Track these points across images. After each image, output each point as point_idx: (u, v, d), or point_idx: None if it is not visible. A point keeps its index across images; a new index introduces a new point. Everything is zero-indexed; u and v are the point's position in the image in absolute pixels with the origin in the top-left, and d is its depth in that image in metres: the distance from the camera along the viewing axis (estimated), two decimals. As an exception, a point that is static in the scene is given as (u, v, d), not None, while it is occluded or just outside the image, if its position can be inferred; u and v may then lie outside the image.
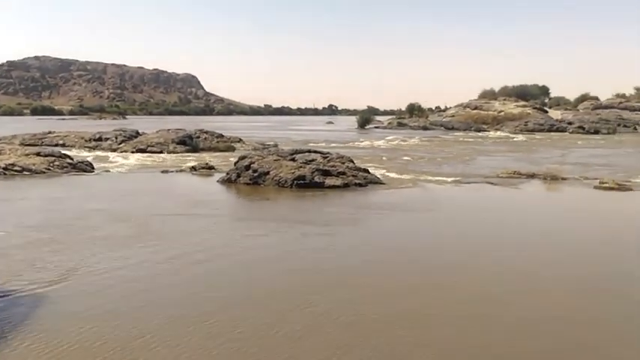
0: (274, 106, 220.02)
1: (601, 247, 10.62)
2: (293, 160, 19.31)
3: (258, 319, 6.57)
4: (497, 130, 63.48)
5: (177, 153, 29.94)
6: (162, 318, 6.55)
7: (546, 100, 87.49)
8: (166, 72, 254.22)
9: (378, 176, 19.90)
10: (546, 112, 72.67)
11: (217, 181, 19.03)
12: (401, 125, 73.30)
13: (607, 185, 18.29)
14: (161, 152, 29.96)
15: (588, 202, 16.76)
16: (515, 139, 49.37)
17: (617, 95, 77.34)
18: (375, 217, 13.31)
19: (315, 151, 21.07)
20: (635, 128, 61.92)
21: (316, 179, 17.73)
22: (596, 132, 57.31)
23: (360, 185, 17.95)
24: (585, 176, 21.17)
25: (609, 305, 7.30)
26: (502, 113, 70.46)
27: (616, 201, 16.58)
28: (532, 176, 20.97)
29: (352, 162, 20.25)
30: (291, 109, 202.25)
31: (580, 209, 15.79)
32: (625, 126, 62.27)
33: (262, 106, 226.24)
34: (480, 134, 57.95)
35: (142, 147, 30.63)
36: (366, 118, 78.17)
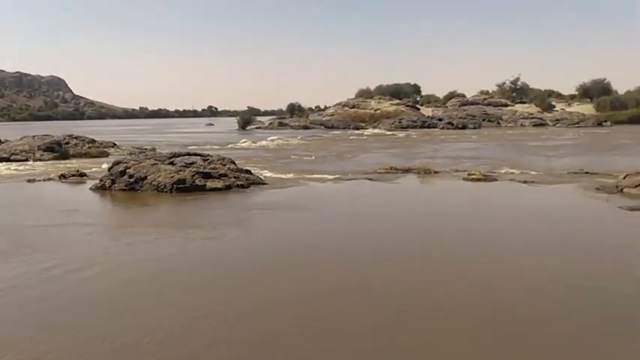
0: (150, 108, 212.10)
1: (469, 232, 11.36)
2: (172, 163, 18.73)
3: (137, 328, 6.31)
4: (374, 127, 65.82)
5: (45, 161, 27.97)
6: (37, 331, 6.11)
7: (418, 98, 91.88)
8: (29, 75, 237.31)
9: (261, 177, 19.84)
10: (419, 109, 76.50)
11: (90, 189, 17.99)
12: (282, 125, 73.87)
13: (475, 177, 19.54)
14: (27, 160, 27.87)
15: (458, 191, 17.82)
16: (391, 136, 51.43)
17: (482, 92, 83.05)
18: (259, 218, 13.26)
19: (195, 154, 20.58)
20: (499, 123, 66.78)
21: (197, 182, 17.32)
22: (464, 127, 61.13)
23: (242, 187, 17.77)
24: (455, 169, 22.49)
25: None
26: (378, 111, 73.19)
27: (482, 190, 17.76)
28: (407, 171, 21.93)
29: (234, 163, 20.01)
30: (169, 111, 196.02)
31: (450, 198, 16.82)
32: (489, 121, 66.97)
33: (137, 108, 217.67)
34: (358, 132, 59.79)
35: (5, 155, 28.30)
36: (247, 118, 77.93)
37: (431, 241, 10.92)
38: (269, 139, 47.84)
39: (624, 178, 16.98)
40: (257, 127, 74.22)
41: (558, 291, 7.55)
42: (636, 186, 15.99)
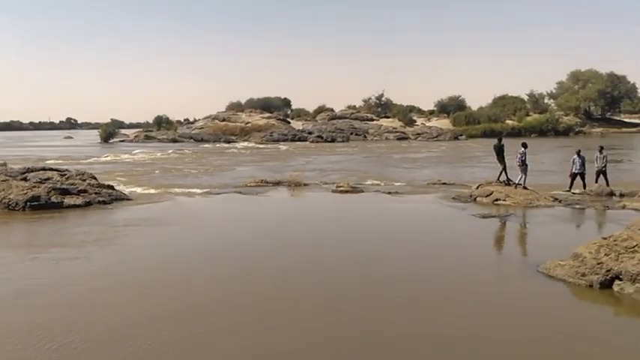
0: (0, 120, 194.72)
1: (337, 238, 11.61)
2: (25, 179, 17.30)
3: None
4: (245, 140, 65.55)
5: None
6: None
7: (289, 112, 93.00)
8: None
9: (125, 192, 18.91)
10: (289, 122, 77.40)
11: None
12: (149, 138, 71.20)
13: (343, 188, 20.06)
14: None
15: (326, 202, 18.19)
16: (262, 149, 51.44)
17: (349, 107, 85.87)
18: (126, 235, 12.57)
19: (52, 169, 19.20)
20: (365, 136, 69.35)
21: (53, 199, 16.12)
22: (333, 140, 62.83)
23: (104, 203, 16.80)
24: (324, 181, 22.96)
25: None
26: (249, 124, 73.02)
27: (350, 201, 18.26)
28: (278, 184, 22.02)
29: (95, 178, 18.90)
30: (22, 123, 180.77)
31: (319, 209, 17.15)
32: (357, 134, 69.39)
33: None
34: (229, 145, 59.16)
35: None
36: (110, 131, 74.04)
37: (299, 250, 11.01)
38: (134, 152, 45.87)
39: (477, 188, 18.29)
40: (121, 141, 70.82)
41: (415, 274, 8.08)
42: (487, 195, 17.28)
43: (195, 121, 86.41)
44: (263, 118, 75.59)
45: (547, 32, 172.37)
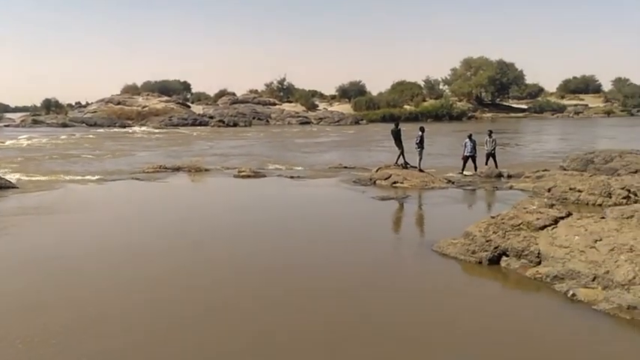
0: None
1: (239, 224, 11.50)
2: None
3: None
4: (142, 125, 63.13)
5: None
6: None
7: (188, 96, 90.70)
8: None
9: (11, 180, 17.65)
10: (189, 107, 75.43)
11: None
12: (37, 123, 66.71)
13: (245, 173, 19.86)
14: None
15: (227, 188, 17.95)
16: (160, 134, 49.79)
17: (251, 91, 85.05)
18: (15, 225, 11.71)
19: None
20: (268, 121, 69.06)
21: None
22: (235, 125, 61.97)
23: (-15, 192, 15.60)
24: (226, 166, 22.62)
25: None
26: (146, 108, 70.40)
27: (252, 185, 18.12)
28: (177, 169, 21.44)
29: (-26, 166, 17.45)
30: None
31: (219, 195, 16.89)
32: (259, 119, 68.89)
33: None
34: (125, 130, 56.77)
35: None
36: (-7, 115, 68.83)
37: (195, 239, 10.78)
38: (20, 138, 42.81)
39: (376, 171, 18.74)
40: (6, 125, 65.90)
41: (313, 257, 8.21)
42: (386, 178, 17.75)
43: (87, 104, 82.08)
44: (161, 101, 73.16)
45: (443, 19, 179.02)
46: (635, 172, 17.41)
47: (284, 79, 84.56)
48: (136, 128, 59.06)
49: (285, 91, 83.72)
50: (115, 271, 8.59)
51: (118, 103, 73.01)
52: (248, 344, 6.04)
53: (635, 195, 13.52)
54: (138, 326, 6.49)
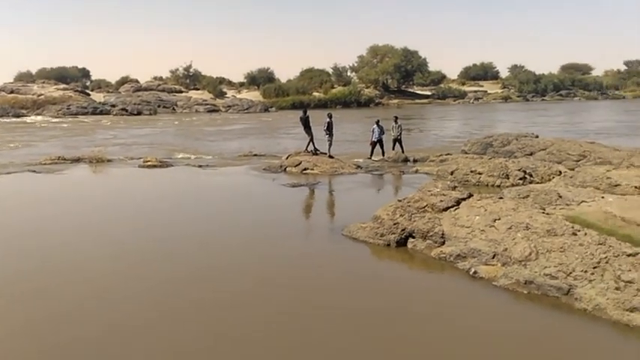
0: None
1: (146, 213, 11.11)
2: None
3: None
4: (38, 114, 59.54)
5: None
6: None
7: (88, 83, 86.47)
8: None
9: None
10: (89, 94, 71.92)
11: None
12: None
13: (150, 163, 19.22)
14: None
15: (132, 179, 17.30)
16: (58, 124, 47.12)
17: (155, 78, 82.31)
18: None
19: None
20: (174, 109, 67.12)
21: None
22: (139, 113, 59.75)
23: None
24: (130, 156, 21.78)
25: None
26: (42, 97, 66.34)
27: (157, 176, 17.58)
28: (78, 160, 20.41)
29: None
30: None
31: (124, 186, 16.25)
32: (165, 107, 66.75)
33: None
34: (19, 120, 53.30)
35: None
36: None
37: (100, 231, 10.33)
38: None
39: (287, 158, 18.74)
40: None
41: (224, 247, 8.00)
42: (296, 165, 17.79)
43: (-24, 93, 76.30)
44: (58, 89, 69.17)
45: (349, 6, 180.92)
46: (531, 154, 18.52)
47: (190, 66, 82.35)
48: (32, 118, 55.64)
49: (191, 79, 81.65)
50: None
51: (11, 92, 68.25)
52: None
53: (531, 176, 14.36)
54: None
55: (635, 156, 15.96)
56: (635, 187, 11.54)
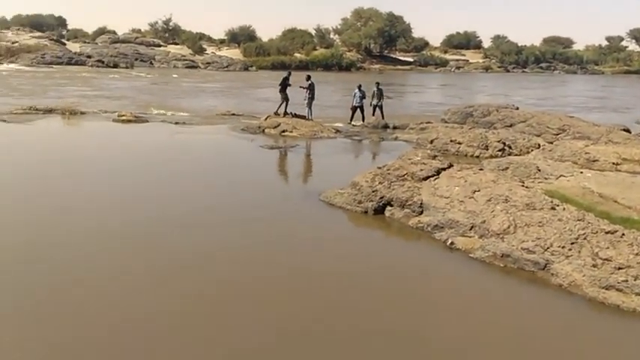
0: None
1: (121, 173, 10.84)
2: None
3: None
4: (11, 62, 57.69)
5: None
6: None
7: (64, 33, 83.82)
8: None
9: None
10: (64, 44, 69.86)
11: None
12: None
13: (125, 118, 18.73)
14: None
15: (106, 134, 16.87)
16: (31, 73, 45.70)
17: (134, 30, 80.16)
18: None
19: None
20: (152, 63, 65.66)
21: None
22: (116, 66, 58.29)
23: None
24: (104, 109, 21.18)
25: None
26: (16, 44, 64.26)
27: (133, 132, 17.17)
28: (50, 111, 19.80)
29: None
30: None
31: (98, 141, 15.78)
32: (142, 60, 65.23)
33: None
34: (-10, 67, 51.58)
35: None
36: None
37: (75, 186, 10.02)
38: None
39: (265, 119, 18.40)
40: None
41: (199, 210, 7.87)
42: (275, 127, 17.49)
43: (-53, 37, 73.56)
44: (33, 37, 67.06)
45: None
46: (510, 125, 18.46)
47: (170, 20, 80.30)
48: (4, 66, 53.93)
49: (170, 33, 79.71)
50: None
51: (-16, 38, 66.06)
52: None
53: (510, 147, 14.33)
54: None
55: (613, 132, 16.01)
56: (613, 163, 11.59)
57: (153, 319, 5.40)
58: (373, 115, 20.30)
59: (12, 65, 54.40)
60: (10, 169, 11.36)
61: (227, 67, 63.94)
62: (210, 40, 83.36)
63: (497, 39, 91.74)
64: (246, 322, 5.40)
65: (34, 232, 7.53)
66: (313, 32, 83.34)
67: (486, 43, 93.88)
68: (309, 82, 18.70)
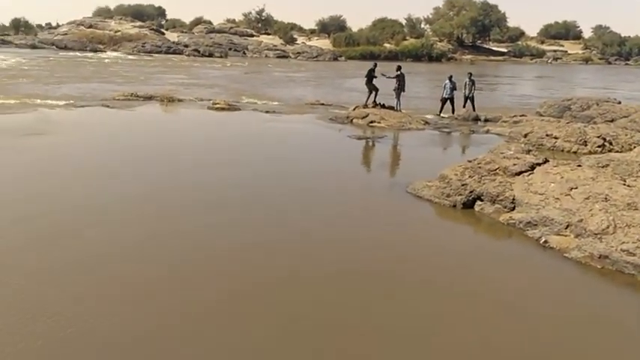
0: None
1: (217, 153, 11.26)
2: None
3: None
4: (114, 50, 61.12)
5: None
6: None
7: (163, 22, 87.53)
8: None
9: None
10: (163, 34, 72.98)
11: None
12: (4, 43, 64.02)
13: (219, 106, 19.39)
14: None
15: (201, 120, 17.51)
16: (133, 60, 48.21)
17: (228, 20, 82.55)
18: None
19: None
20: (244, 52, 67.38)
21: None
22: (211, 55, 60.35)
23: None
24: (200, 97, 22.01)
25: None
26: (119, 33, 67.91)
27: (226, 119, 17.72)
28: (150, 98, 20.82)
29: None
30: None
31: (195, 127, 16.46)
32: (236, 50, 67.09)
33: None
34: (96, 54, 54.88)
35: None
36: (-43, 33, 65.70)
37: (179, 168, 10.51)
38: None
39: (354, 109, 18.44)
40: (-28, 44, 63.25)
41: (291, 195, 8.03)
42: (363, 117, 17.49)
43: (58, 26, 78.79)
44: (134, 27, 70.54)
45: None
46: (612, 120, 17.46)
47: (263, 10, 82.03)
48: (108, 53, 57.15)
49: (263, 23, 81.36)
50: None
51: (90, 27, 70.21)
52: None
53: (610, 144, 13.57)
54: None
55: None
56: None
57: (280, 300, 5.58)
58: (464, 106, 19.84)
59: (115, 53, 57.56)
60: (118, 155, 12.03)
61: (317, 57, 64.51)
62: (300, 30, 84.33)
63: (599, 29, 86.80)
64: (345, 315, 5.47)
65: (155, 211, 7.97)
66: (404, 22, 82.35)
67: (587, 34, 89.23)
68: (398, 72, 18.54)
